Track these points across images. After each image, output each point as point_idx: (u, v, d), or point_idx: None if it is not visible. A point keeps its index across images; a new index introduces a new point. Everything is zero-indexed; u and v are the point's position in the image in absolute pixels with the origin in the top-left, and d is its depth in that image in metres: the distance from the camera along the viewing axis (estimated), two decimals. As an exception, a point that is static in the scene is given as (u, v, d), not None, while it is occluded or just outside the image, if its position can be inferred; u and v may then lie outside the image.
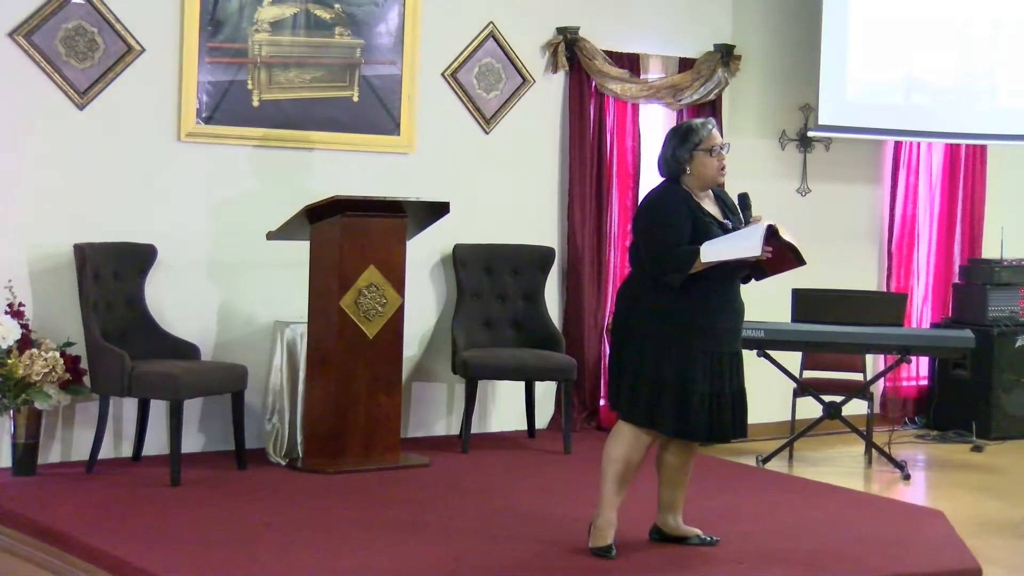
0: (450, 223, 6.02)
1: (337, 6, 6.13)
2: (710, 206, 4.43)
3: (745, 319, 6.47)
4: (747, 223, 4.42)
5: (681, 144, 4.38)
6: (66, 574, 4.42)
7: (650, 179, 6.95)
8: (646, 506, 4.66)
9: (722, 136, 4.46)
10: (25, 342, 5.31)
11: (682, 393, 4.30)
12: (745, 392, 4.48)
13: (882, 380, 7.32)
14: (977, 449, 7.07)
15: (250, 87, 5.94)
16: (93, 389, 5.44)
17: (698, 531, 4.61)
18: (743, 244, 4.24)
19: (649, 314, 4.33)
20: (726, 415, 4.37)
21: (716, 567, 4.38)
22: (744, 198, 4.51)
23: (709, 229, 4.32)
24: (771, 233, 4.25)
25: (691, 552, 4.51)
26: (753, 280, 4.55)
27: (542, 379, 6.39)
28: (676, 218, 4.30)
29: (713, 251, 4.24)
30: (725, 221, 4.41)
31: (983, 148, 7.91)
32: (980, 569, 4.52)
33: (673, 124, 7.02)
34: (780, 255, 4.33)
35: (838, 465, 6.55)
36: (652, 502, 4.64)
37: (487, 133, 6.60)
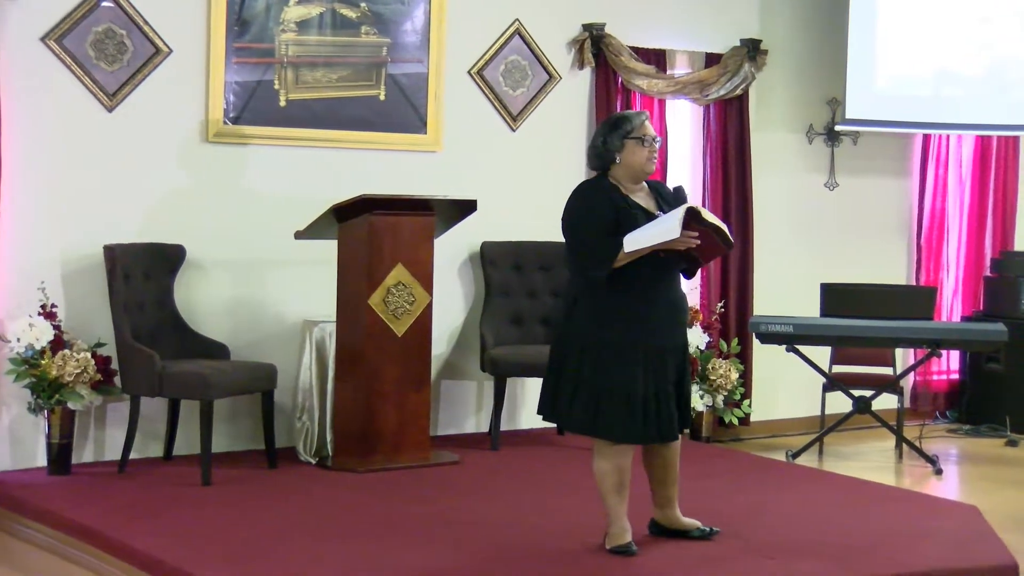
0: (477, 221, 6.02)
1: (363, 5, 6.14)
2: (643, 198, 4.34)
3: (774, 313, 6.61)
4: None
5: (611, 131, 4.32)
6: (102, 571, 4.46)
7: (677, 175, 7.00)
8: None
9: (657, 132, 4.41)
10: (58, 343, 5.35)
11: (625, 398, 4.21)
12: (688, 386, 4.41)
13: (912, 374, 7.27)
14: (1012, 444, 7.01)
15: (277, 87, 5.96)
16: (124, 389, 5.47)
17: (697, 523, 4.56)
18: (663, 227, 4.14)
19: (586, 315, 4.26)
20: (671, 412, 4.29)
21: (747, 562, 4.35)
22: (680, 191, 4.44)
23: (636, 220, 4.22)
24: (692, 216, 4.13)
25: (720, 548, 4.48)
26: (691, 271, 4.45)
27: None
28: (596, 210, 4.23)
29: (634, 240, 4.15)
30: (657, 213, 4.30)
31: (1015, 139, 7.84)
32: (1016, 565, 4.47)
33: (700, 120, 7.07)
34: (707, 239, 4.20)
35: (868, 460, 6.51)
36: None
37: (514, 130, 6.60)
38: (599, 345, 4.24)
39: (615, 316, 4.24)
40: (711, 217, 4.24)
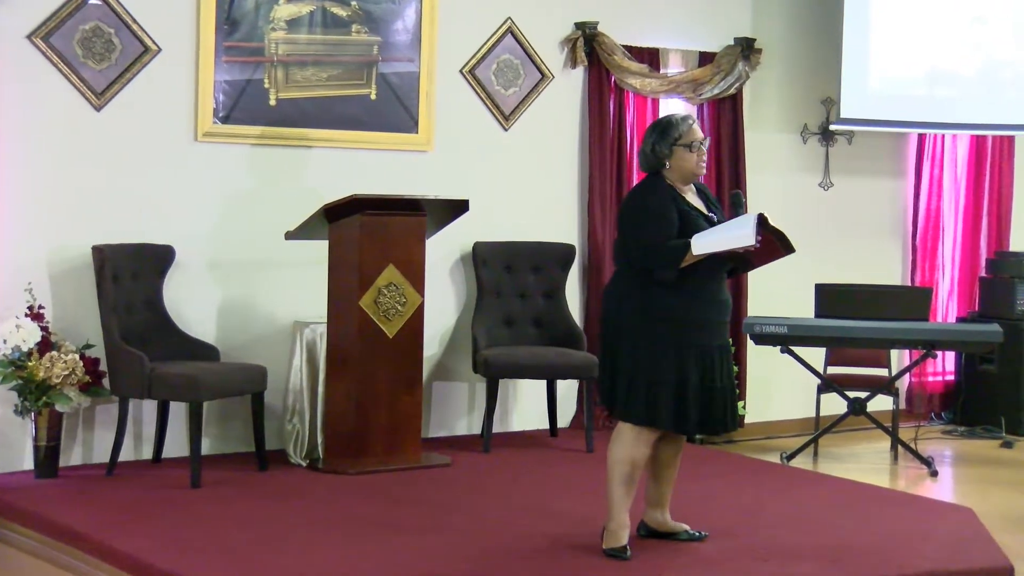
0: (469, 221, 5.99)
1: (354, 3, 6.10)
2: (693, 199, 4.44)
3: (768, 314, 6.58)
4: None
5: (661, 139, 4.39)
6: (90, 575, 4.42)
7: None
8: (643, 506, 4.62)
9: (704, 133, 4.49)
10: (45, 344, 5.31)
11: (678, 388, 4.30)
12: (735, 385, 4.51)
13: (907, 375, 7.25)
14: (1007, 445, 6.99)
15: (267, 86, 5.92)
16: (113, 391, 5.44)
17: (686, 526, 4.58)
18: (736, 234, 4.22)
19: (638, 311, 4.33)
20: (718, 408, 4.39)
21: (741, 564, 4.33)
22: (736, 196, 4.53)
23: (696, 222, 4.32)
24: (760, 222, 4.22)
25: (714, 550, 4.46)
26: (738, 272, 4.61)
27: (564, 377, 6.35)
28: (664, 212, 4.31)
29: (704, 243, 4.23)
30: (710, 214, 4.41)
31: (1010, 139, 7.82)
32: (1011, 567, 4.45)
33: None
34: (769, 245, 4.30)
35: (863, 461, 6.49)
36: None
37: (506, 130, 6.57)
38: (651, 342, 4.30)
39: (666, 313, 4.31)
40: (776, 224, 4.31)
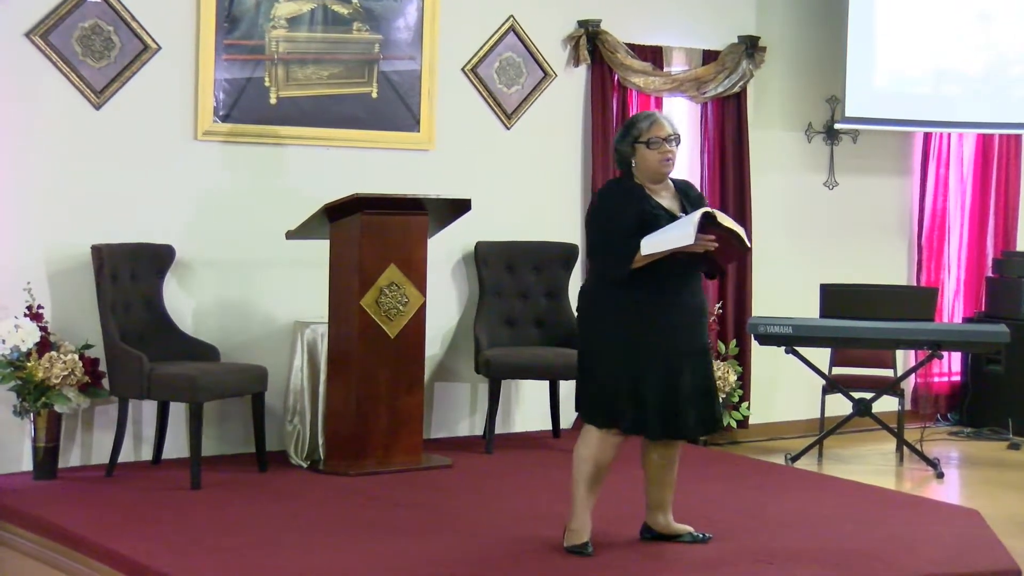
0: (471, 220, 5.95)
1: (355, 1, 6.07)
2: (667, 199, 4.35)
3: (773, 315, 6.54)
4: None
5: (622, 139, 4.36)
6: (86, 579, 4.40)
7: (675, 173, 6.91)
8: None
9: (672, 128, 4.33)
10: (44, 345, 5.29)
11: (635, 391, 4.24)
12: (711, 388, 4.39)
13: (913, 376, 7.21)
14: (1014, 447, 6.94)
15: (267, 84, 5.89)
16: (112, 392, 5.41)
17: (690, 528, 4.54)
18: (678, 233, 4.15)
19: (605, 312, 4.29)
20: (685, 412, 4.29)
21: (745, 567, 4.30)
22: (699, 195, 4.46)
23: (658, 222, 4.23)
24: (708, 220, 4.14)
25: (718, 553, 4.42)
26: (714, 275, 4.53)
27: (566, 378, 6.29)
28: (618, 211, 4.25)
29: (651, 243, 4.17)
30: (680, 215, 4.30)
31: (1017, 138, 7.77)
32: (1019, 570, 4.42)
33: (698, 118, 7.01)
34: (724, 243, 4.21)
35: (869, 463, 6.46)
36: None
37: (508, 128, 6.53)
38: (616, 343, 4.26)
39: (632, 317, 4.25)
40: (727, 221, 4.24)
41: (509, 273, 6.45)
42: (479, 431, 6.38)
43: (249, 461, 5.58)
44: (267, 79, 5.89)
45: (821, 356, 6.64)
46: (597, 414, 4.31)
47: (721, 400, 6.52)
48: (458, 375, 6.43)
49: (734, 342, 6.77)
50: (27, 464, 5.39)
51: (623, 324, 4.25)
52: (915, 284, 7.60)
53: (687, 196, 4.41)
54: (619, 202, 4.29)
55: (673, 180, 4.44)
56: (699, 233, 4.11)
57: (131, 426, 5.49)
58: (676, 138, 4.34)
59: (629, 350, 4.24)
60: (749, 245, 4.35)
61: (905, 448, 6.46)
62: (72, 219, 5.51)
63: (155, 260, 5.64)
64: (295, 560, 4.26)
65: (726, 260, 4.43)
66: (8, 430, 5.40)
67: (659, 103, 6.83)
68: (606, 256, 4.27)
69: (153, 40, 5.64)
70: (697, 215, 4.14)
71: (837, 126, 7.29)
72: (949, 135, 7.60)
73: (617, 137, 4.40)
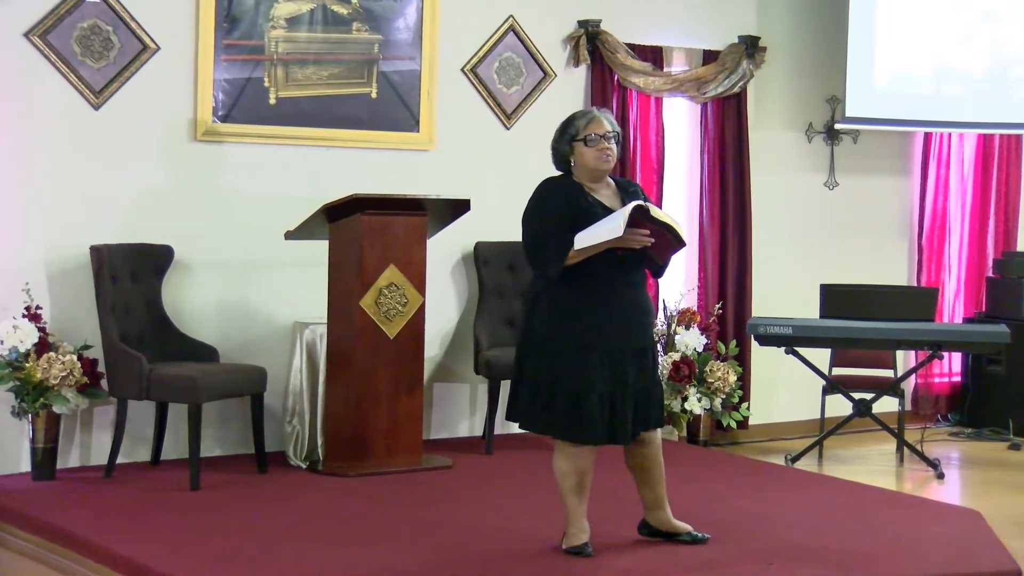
0: (471, 221, 5.94)
1: (355, 1, 6.06)
2: (607, 197, 4.30)
3: (773, 315, 6.53)
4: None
5: (559, 138, 4.33)
6: (85, 580, 4.39)
7: (674, 174, 6.92)
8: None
9: (611, 126, 4.28)
10: (43, 345, 5.28)
11: (579, 400, 4.18)
12: (655, 386, 4.35)
13: (913, 377, 7.20)
14: (1015, 447, 6.93)
15: (267, 84, 5.88)
16: (111, 392, 5.40)
17: (688, 527, 4.50)
18: (608, 227, 4.11)
19: (545, 314, 4.24)
20: (627, 414, 4.24)
21: (745, 568, 4.28)
22: (637, 189, 4.39)
23: (594, 219, 4.18)
24: (641, 214, 4.09)
25: (718, 553, 4.41)
26: (657, 273, 4.43)
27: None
28: (551, 208, 4.21)
29: (583, 238, 4.13)
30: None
31: (1018, 138, 7.76)
32: (1020, 570, 4.40)
33: (698, 118, 7.00)
34: (659, 238, 4.17)
35: (869, 464, 6.45)
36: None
37: (508, 128, 6.52)
38: (557, 345, 4.22)
39: (572, 316, 4.21)
40: (661, 215, 4.20)
41: (509, 273, 6.45)
42: (479, 431, 6.37)
43: (248, 462, 5.57)
44: (267, 79, 5.89)
45: (821, 356, 6.63)
46: (558, 427, 4.24)
47: (721, 401, 6.55)
48: (458, 375, 6.42)
49: (734, 342, 6.76)
50: (26, 465, 5.38)
51: (564, 326, 4.19)
52: (915, 284, 7.59)
53: (627, 192, 4.36)
54: (554, 198, 4.25)
55: (614, 178, 4.40)
56: (633, 227, 4.07)
57: (130, 427, 5.47)
58: (615, 135, 4.30)
59: (570, 353, 4.18)
60: (684, 240, 4.28)
61: (905, 449, 6.45)
62: (71, 219, 5.50)
63: (154, 260, 5.63)
64: (294, 561, 4.25)
65: (663, 255, 4.31)
66: (6, 431, 5.39)
67: (659, 103, 6.82)
68: (537, 253, 4.22)
69: (152, 40, 5.63)
70: (628, 208, 4.10)
71: (837, 126, 7.28)
72: (949, 135, 7.59)
73: (555, 137, 4.34)
